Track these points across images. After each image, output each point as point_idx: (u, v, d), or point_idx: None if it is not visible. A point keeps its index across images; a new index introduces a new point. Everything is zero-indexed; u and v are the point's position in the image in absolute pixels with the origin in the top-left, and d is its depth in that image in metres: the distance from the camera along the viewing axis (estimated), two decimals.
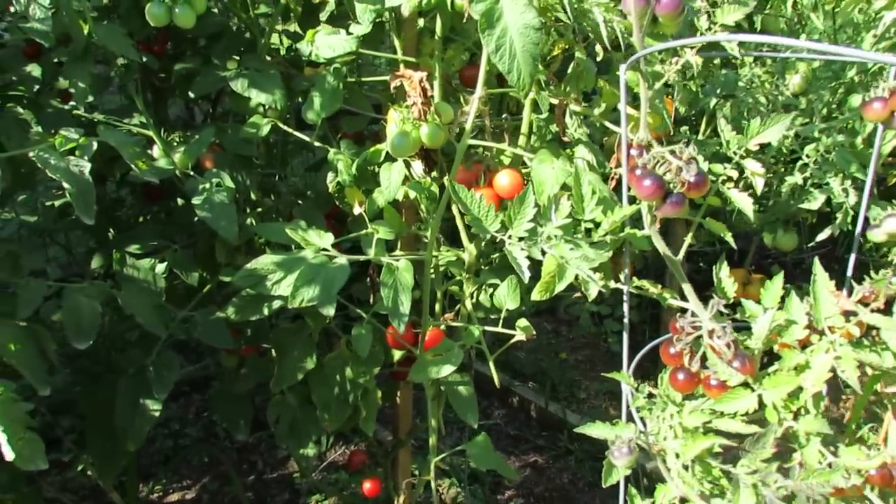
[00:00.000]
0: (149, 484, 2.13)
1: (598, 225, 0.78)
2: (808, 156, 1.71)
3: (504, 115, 1.20)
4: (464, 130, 0.98)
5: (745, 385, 0.73)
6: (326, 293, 0.87)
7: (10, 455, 0.68)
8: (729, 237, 0.81)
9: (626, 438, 0.69)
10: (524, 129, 1.08)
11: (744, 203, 0.77)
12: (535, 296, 0.98)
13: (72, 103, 1.13)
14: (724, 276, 0.87)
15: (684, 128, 1.72)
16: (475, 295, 1.25)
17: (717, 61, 2.33)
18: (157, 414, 1.14)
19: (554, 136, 1.10)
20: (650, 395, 0.76)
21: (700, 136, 1.96)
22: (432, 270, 1.22)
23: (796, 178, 1.72)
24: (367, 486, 1.52)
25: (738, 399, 0.73)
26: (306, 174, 1.50)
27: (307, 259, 0.89)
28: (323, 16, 1.15)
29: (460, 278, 1.20)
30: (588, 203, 0.76)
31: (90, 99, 1.10)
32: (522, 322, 1.09)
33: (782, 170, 1.84)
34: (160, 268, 1.25)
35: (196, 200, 1.07)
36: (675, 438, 0.68)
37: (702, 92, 1.86)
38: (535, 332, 1.08)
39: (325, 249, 0.92)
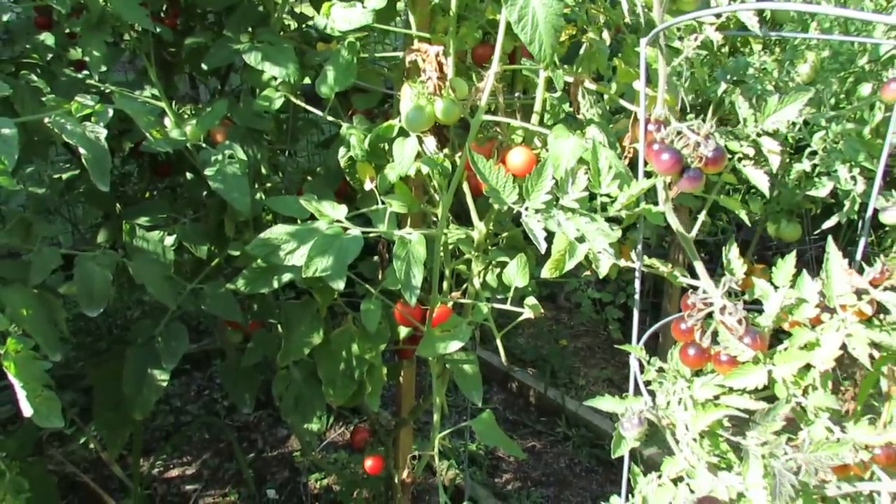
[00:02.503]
0: (150, 459, 2.14)
1: (613, 200, 0.78)
2: (816, 144, 1.72)
3: (517, 94, 1.20)
4: (477, 107, 0.98)
5: (756, 361, 0.74)
6: (339, 264, 0.87)
7: (28, 411, 0.68)
8: (743, 214, 0.82)
9: (636, 409, 0.70)
10: (537, 107, 1.08)
11: (759, 180, 0.78)
12: (546, 273, 0.98)
13: (85, 72, 1.13)
14: (734, 256, 0.88)
15: (690, 116, 1.73)
16: (482, 274, 1.26)
17: (724, 49, 2.32)
18: (164, 384, 1.15)
19: (567, 115, 1.10)
20: (660, 370, 0.77)
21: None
22: (441, 248, 1.23)
23: (804, 165, 1.72)
24: (369, 463, 1.53)
25: (748, 374, 0.73)
26: (315, 152, 1.50)
27: (321, 230, 0.90)
28: None
29: (469, 256, 1.20)
30: (605, 177, 0.76)
31: (104, 68, 1.10)
32: (531, 300, 1.09)
33: (787, 160, 1.85)
34: (169, 240, 1.25)
35: (209, 172, 1.07)
36: (686, 410, 0.69)
37: (709, 79, 1.85)
38: (542, 311, 1.09)
39: (338, 221, 0.92)
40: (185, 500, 2.03)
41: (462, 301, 1.18)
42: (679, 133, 0.74)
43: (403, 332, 1.31)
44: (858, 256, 0.94)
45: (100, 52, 1.05)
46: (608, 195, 0.77)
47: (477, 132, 1.00)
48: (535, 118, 1.08)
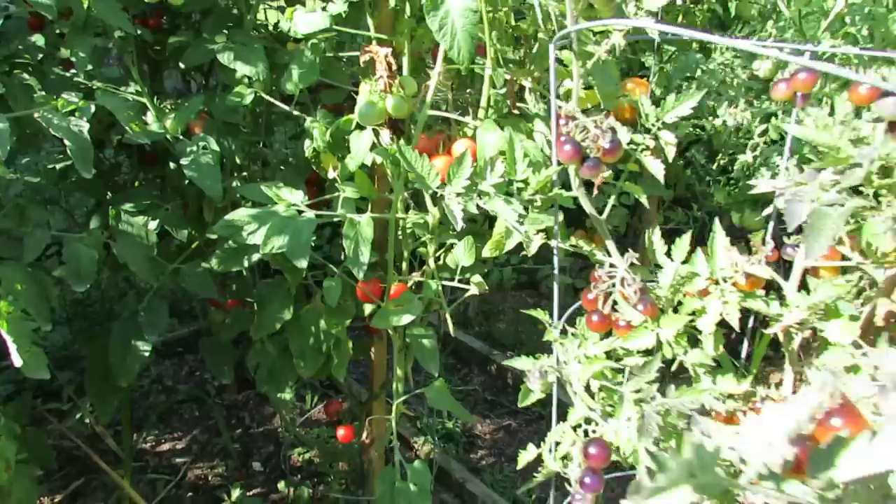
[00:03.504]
0: (143, 434, 2.27)
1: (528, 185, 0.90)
2: (758, 135, 1.82)
3: (469, 90, 1.31)
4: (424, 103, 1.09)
5: (646, 325, 0.86)
6: (294, 242, 0.98)
7: (18, 362, 0.80)
8: (644, 199, 0.93)
9: (539, 365, 0.81)
10: (483, 102, 1.19)
11: (655, 168, 0.89)
12: (486, 252, 1.10)
13: (73, 71, 1.24)
14: (656, 239, 0.99)
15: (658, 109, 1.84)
16: (442, 257, 1.37)
17: (694, 45, 2.44)
18: (146, 354, 1.27)
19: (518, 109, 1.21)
20: (563, 332, 0.89)
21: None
22: (400, 231, 1.34)
23: (748, 156, 1.83)
24: (341, 432, 1.65)
25: (640, 337, 0.85)
26: (289, 142, 1.61)
27: (279, 213, 1.01)
28: None
29: (425, 239, 1.31)
30: (520, 165, 0.87)
31: (90, 67, 1.21)
32: (476, 278, 1.21)
33: (731, 153, 1.97)
34: (152, 225, 1.37)
35: (184, 161, 1.18)
36: (578, 364, 0.81)
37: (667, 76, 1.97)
38: (486, 287, 1.20)
39: (295, 205, 1.03)
40: (175, 471, 2.16)
41: (417, 279, 1.29)
42: (583, 127, 0.85)
43: (369, 309, 1.43)
44: (769, 237, 1.06)
45: (85, 53, 1.16)
46: (524, 181, 0.88)
47: (423, 127, 1.11)
48: (481, 112, 1.19)
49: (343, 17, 1.22)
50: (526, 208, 0.92)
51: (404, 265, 1.37)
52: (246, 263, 1.23)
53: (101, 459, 1.92)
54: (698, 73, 1.95)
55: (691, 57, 1.79)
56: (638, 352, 0.85)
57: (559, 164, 0.89)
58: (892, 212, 0.63)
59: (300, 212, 1.02)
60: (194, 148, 1.20)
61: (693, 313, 0.88)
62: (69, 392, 2.01)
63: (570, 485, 0.82)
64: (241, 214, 1.02)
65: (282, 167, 1.48)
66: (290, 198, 1.03)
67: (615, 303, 0.88)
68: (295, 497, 2.06)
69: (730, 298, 0.84)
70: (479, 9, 0.85)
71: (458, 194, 0.87)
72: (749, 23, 2.42)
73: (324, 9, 1.14)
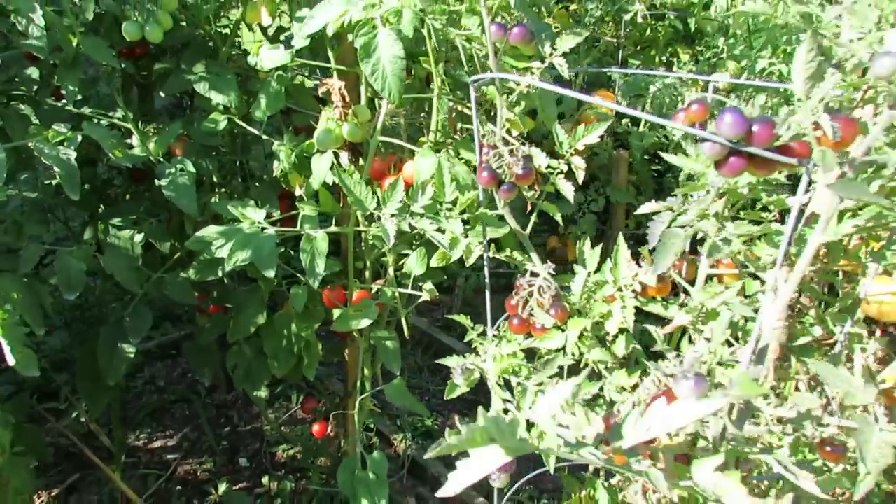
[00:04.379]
0: (136, 432, 2.40)
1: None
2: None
3: (422, 114, 1.44)
4: (375, 129, 1.22)
5: (559, 328, 0.99)
6: (256, 256, 1.12)
7: (11, 361, 0.93)
8: (558, 216, 1.06)
9: (462, 363, 0.94)
10: (433, 126, 1.32)
11: (566, 189, 1.01)
12: (434, 262, 1.23)
13: (63, 101, 1.37)
14: (587, 249, 1.12)
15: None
16: (404, 265, 1.50)
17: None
18: (131, 355, 1.40)
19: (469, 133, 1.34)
20: (482, 334, 1.02)
21: (641, 129, 2.21)
22: (363, 243, 1.47)
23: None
24: (316, 427, 1.78)
25: (552, 338, 0.98)
26: (266, 160, 1.74)
27: (243, 230, 1.14)
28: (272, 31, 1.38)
29: (384, 250, 1.45)
30: (448, 188, 1.00)
31: (79, 98, 1.35)
32: (428, 285, 1.34)
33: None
34: (138, 237, 1.50)
35: (163, 182, 1.31)
36: (492, 362, 0.93)
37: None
38: (437, 294, 1.33)
39: (258, 222, 1.17)
40: (166, 467, 2.29)
41: (375, 286, 1.42)
42: (500, 155, 0.98)
43: (337, 314, 1.56)
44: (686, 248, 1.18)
45: (74, 86, 1.29)
46: (453, 202, 1.01)
47: (375, 150, 1.24)
48: (431, 136, 1.33)
49: (308, 51, 1.35)
50: (467, 222, 1.05)
51: (368, 274, 1.50)
52: (220, 273, 1.36)
53: (96, 456, 2.05)
54: (653, 89, 2.08)
55: (638, 77, 1.93)
56: (551, 351, 0.98)
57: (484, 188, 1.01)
58: (732, 231, 0.76)
59: (263, 228, 1.15)
60: (172, 170, 1.33)
61: (601, 317, 1.01)
62: (66, 392, 2.15)
63: None
64: (210, 231, 1.16)
65: (258, 184, 1.61)
66: (254, 216, 1.16)
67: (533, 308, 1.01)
68: (278, 490, 2.19)
69: (628, 303, 0.97)
70: (405, 56, 0.98)
71: (393, 214, 1.00)
72: (708, 37, 2.55)
73: (286, 45, 1.27)
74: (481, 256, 1.12)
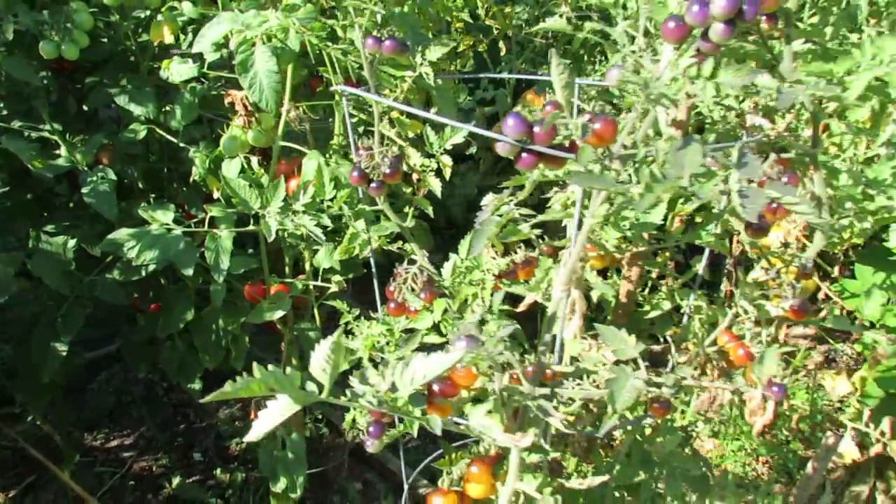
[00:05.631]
0: (93, 433, 2.49)
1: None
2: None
3: (330, 119, 1.54)
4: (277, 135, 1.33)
5: (428, 309, 1.10)
6: (164, 255, 1.22)
7: None
8: (430, 209, 1.17)
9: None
10: (336, 131, 1.43)
11: (434, 184, 1.12)
12: (337, 255, 1.34)
13: None
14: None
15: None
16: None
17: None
18: (64, 353, 1.50)
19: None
20: (357, 317, 1.13)
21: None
22: (282, 241, 1.58)
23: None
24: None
25: (423, 319, 1.09)
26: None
27: (151, 231, 1.24)
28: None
29: (300, 247, 1.55)
30: (327, 187, 1.11)
31: (5, 112, 1.44)
32: (337, 277, 1.45)
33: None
34: (71, 243, 1.60)
35: (84, 190, 1.41)
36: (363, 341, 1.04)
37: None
38: (345, 286, 1.44)
39: (166, 224, 1.27)
40: (121, 465, 2.38)
41: (289, 280, 1.52)
42: (370, 156, 1.09)
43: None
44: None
45: None
46: (332, 200, 1.12)
47: (279, 155, 1.34)
48: (335, 140, 1.43)
49: (217, 63, 1.45)
50: (340, 218, 1.16)
51: (287, 269, 1.61)
52: (143, 273, 1.45)
53: (53, 456, 2.14)
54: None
55: (544, 81, 2.05)
56: (429, 330, 1.09)
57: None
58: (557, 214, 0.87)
59: (170, 230, 1.26)
60: (94, 178, 1.43)
61: (470, 298, 1.13)
62: (20, 397, 2.23)
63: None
64: (121, 233, 1.26)
65: (185, 188, 1.71)
66: (162, 218, 1.26)
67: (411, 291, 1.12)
68: (229, 482, 2.29)
69: (488, 285, 1.08)
70: (279, 71, 1.09)
71: (277, 213, 1.11)
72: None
73: (195, 60, 1.37)
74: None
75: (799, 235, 1.96)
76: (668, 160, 0.64)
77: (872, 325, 2.06)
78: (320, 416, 2.57)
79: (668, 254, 1.27)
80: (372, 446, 1.03)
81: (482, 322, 1.20)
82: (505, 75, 2.18)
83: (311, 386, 0.61)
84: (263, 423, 0.61)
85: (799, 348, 2.31)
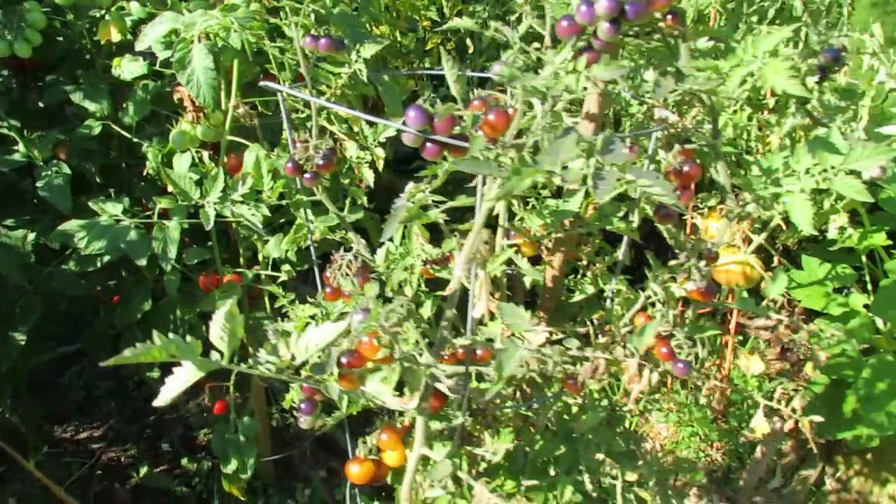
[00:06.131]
0: (63, 425, 2.53)
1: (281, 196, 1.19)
2: None
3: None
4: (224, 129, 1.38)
5: (361, 294, 1.16)
6: (112, 245, 1.27)
7: None
8: (362, 200, 1.23)
9: (272, 326, 1.11)
10: (285, 125, 1.48)
11: (367, 175, 1.18)
12: (284, 245, 1.40)
13: None
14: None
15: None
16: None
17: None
18: (22, 342, 1.54)
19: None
20: (292, 301, 1.18)
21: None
22: (235, 232, 1.63)
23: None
24: (217, 405, 1.93)
25: (357, 302, 1.15)
26: None
27: (100, 222, 1.29)
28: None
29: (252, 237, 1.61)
30: (265, 179, 1.16)
31: None
32: (287, 267, 1.50)
33: None
34: (31, 236, 1.64)
35: (39, 184, 1.46)
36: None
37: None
38: (294, 274, 1.50)
39: (115, 215, 1.32)
40: (90, 455, 2.42)
41: (241, 271, 1.58)
42: (304, 148, 1.15)
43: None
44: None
45: None
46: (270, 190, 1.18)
47: (227, 148, 1.40)
48: (285, 134, 1.49)
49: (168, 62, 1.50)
50: (279, 209, 1.22)
51: (241, 259, 1.66)
52: (98, 264, 1.50)
53: (22, 448, 2.18)
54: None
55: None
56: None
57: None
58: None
59: (118, 221, 1.31)
60: (49, 172, 1.47)
61: (401, 283, 1.19)
62: None
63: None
64: (72, 224, 1.31)
65: (142, 182, 1.75)
66: (112, 210, 1.31)
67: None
68: (196, 471, 2.34)
69: (416, 270, 1.14)
70: (216, 68, 1.14)
71: (215, 203, 1.16)
72: None
73: (146, 58, 1.42)
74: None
75: (745, 228, 2.04)
76: (545, 148, 0.70)
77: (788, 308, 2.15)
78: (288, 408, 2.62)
79: (597, 241, 1.34)
80: (304, 422, 1.08)
81: (419, 304, 1.27)
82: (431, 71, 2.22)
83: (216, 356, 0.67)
84: (170, 389, 0.66)
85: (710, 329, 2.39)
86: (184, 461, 2.37)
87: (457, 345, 0.84)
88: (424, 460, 0.86)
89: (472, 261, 0.83)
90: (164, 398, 0.67)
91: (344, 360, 0.82)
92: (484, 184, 0.84)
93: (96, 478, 2.32)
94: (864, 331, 2.23)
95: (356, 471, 0.95)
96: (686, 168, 1.03)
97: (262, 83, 1.04)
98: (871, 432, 2.05)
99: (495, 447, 0.89)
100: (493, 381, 0.90)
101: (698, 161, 1.03)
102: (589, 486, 1.05)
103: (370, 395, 0.71)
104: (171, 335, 0.63)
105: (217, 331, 0.67)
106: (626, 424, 2.33)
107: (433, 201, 0.93)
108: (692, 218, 2.23)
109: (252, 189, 1.17)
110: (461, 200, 0.91)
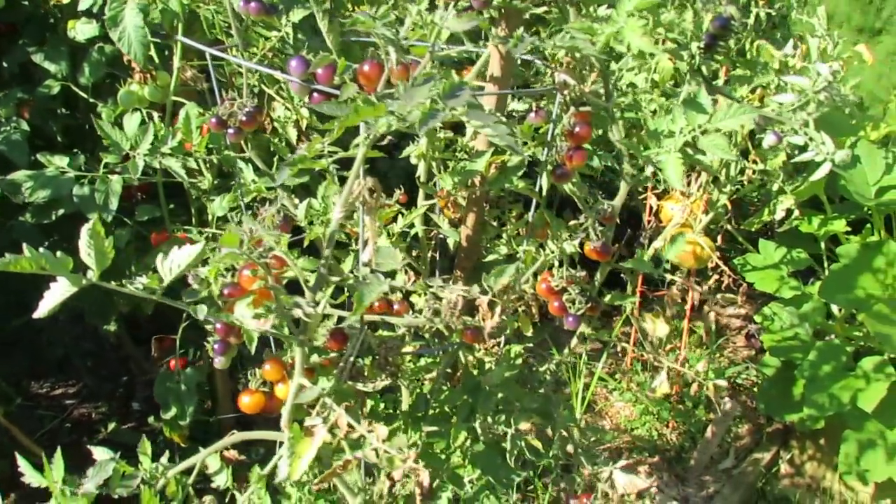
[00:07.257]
0: (40, 382, 2.64)
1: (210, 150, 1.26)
2: None
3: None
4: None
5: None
6: (56, 194, 1.35)
7: None
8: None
9: (196, 271, 1.18)
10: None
11: (291, 133, 1.25)
12: (226, 203, 1.47)
13: None
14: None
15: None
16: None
17: None
18: None
19: None
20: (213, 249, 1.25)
21: None
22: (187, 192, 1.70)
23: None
24: (172, 363, 2.01)
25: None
26: None
27: (46, 174, 1.37)
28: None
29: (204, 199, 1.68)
30: (194, 134, 1.23)
31: None
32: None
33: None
34: None
35: None
36: None
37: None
38: None
39: (61, 167, 1.39)
40: (63, 410, 2.52)
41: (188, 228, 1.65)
42: (230, 104, 1.21)
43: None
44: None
45: None
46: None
47: (172, 109, 1.47)
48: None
49: None
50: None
51: (194, 219, 1.74)
52: (53, 217, 1.58)
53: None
54: None
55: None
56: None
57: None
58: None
59: (63, 173, 1.38)
60: (8, 128, 1.55)
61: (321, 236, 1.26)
62: None
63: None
64: (19, 175, 1.38)
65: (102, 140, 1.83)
66: (58, 163, 1.39)
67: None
68: (161, 429, 2.42)
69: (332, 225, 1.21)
70: (145, 26, 1.21)
71: (145, 154, 1.23)
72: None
73: (97, 21, 1.49)
74: None
75: (698, 208, 2.09)
76: (401, 94, 0.76)
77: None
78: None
79: (517, 206, 1.40)
80: (219, 363, 1.15)
81: (338, 258, 1.33)
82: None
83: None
84: (48, 301, 0.74)
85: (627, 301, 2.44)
86: (150, 419, 2.46)
87: (332, 281, 0.90)
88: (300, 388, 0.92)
89: (350, 205, 0.90)
90: (42, 310, 0.74)
91: (227, 291, 0.89)
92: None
93: (65, 430, 2.42)
94: (817, 315, 2.27)
95: (247, 401, 1.02)
96: (577, 129, 1.08)
97: (184, 40, 1.10)
98: (814, 413, 2.10)
99: (376, 383, 0.95)
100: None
101: (590, 123, 1.09)
102: (479, 432, 1.11)
103: (237, 318, 0.78)
104: (41, 249, 0.70)
105: (84, 248, 0.74)
106: (580, 397, 2.38)
107: (328, 152, 0.99)
108: (648, 199, 2.28)
109: (180, 143, 1.24)
110: (352, 152, 0.97)
